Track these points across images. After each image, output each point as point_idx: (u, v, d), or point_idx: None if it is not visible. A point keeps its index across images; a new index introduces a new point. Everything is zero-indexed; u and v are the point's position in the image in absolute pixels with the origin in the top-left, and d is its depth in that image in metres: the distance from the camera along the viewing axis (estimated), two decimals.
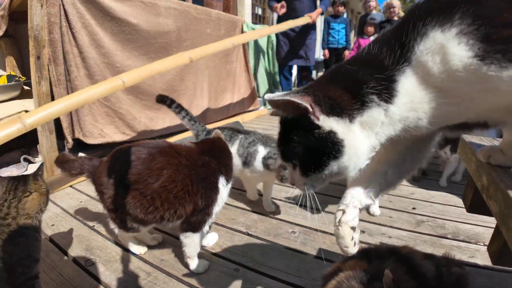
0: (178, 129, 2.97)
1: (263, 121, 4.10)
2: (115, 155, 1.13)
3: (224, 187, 1.18)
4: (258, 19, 6.31)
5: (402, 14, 5.35)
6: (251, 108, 4.33)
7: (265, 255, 1.31)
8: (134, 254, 1.31)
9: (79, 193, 1.88)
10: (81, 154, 2.25)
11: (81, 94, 1.73)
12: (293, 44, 4.14)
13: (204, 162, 1.14)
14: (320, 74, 7.27)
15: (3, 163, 2.05)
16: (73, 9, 2.03)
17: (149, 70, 2.06)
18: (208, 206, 1.13)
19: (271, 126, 3.76)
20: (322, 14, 4.16)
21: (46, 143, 1.90)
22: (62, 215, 1.63)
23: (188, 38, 2.99)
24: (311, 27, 4.15)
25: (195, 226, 1.14)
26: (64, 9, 1.99)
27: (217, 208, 1.17)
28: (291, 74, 4.81)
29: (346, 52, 5.15)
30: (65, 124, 2.06)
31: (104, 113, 2.31)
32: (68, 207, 1.71)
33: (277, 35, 4.30)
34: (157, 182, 1.04)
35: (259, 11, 6.34)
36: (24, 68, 2.47)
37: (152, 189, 1.04)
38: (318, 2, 4.23)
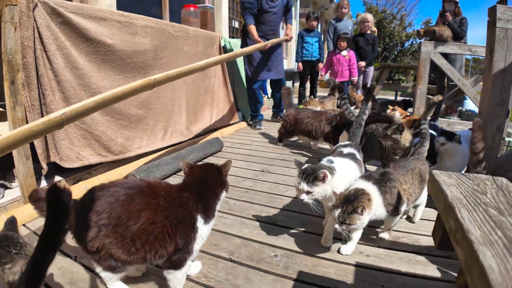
0: (155, 147, 2.94)
1: (241, 134, 4.13)
2: (91, 196, 1.09)
3: (202, 225, 1.16)
4: (235, 33, 6.37)
5: (374, 28, 5.59)
6: (231, 122, 4.35)
7: (249, 282, 1.34)
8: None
9: None
10: (58, 178, 2.19)
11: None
12: (264, 59, 4.17)
13: (182, 200, 1.14)
14: (297, 84, 7.42)
15: None
16: (47, 31, 1.99)
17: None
18: (187, 244, 1.13)
19: (250, 141, 3.79)
20: None
21: (23, 169, 1.84)
22: None
23: (165, 56, 2.99)
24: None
25: (176, 264, 1.14)
26: (39, 31, 1.94)
27: (197, 246, 1.17)
28: (264, 90, 4.85)
29: (320, 65, 5.30)
30: (39, 150, 1.99)
31: (81, 135, 2.26)
32: None
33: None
34: (136, 225, 1.04)
35: (235, 24, 6.41)
36: None
37: (132, 231, 1.04)
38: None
